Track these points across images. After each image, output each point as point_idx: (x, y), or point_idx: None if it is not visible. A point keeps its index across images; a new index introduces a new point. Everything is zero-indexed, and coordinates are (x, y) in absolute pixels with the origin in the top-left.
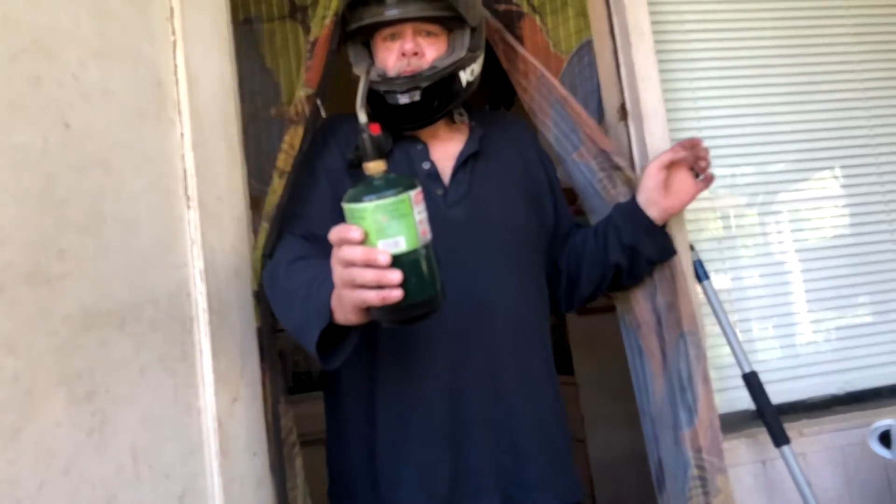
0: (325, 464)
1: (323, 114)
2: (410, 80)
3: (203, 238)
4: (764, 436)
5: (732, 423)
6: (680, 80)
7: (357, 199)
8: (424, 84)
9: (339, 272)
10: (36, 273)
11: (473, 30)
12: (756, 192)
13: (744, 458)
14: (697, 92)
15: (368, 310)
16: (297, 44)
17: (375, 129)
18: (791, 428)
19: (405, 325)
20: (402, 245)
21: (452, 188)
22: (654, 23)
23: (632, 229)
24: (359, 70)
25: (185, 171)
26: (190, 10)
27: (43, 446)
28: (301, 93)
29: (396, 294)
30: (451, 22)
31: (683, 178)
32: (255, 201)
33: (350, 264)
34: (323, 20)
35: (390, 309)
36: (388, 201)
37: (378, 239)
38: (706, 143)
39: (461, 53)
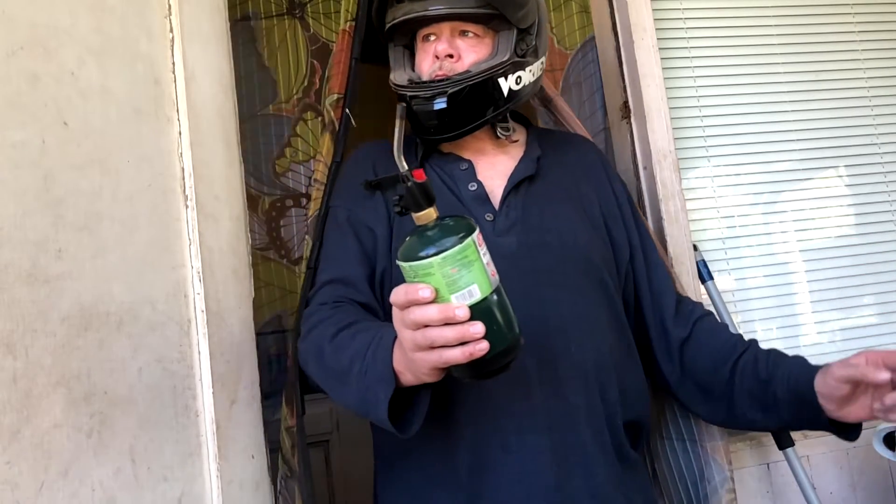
0: (321, 465)
1: (353, 123)
2: (438, 85)
3: (201, 238)
4: (768, 438)
5: None
6: (683, 78)
7: (416, 256)
8: (452, 90)
9: (409, 336)
10: (34, 273)
11: (524, 31)
12: (760, 191)
13: (748, 461)
14: (700, 90)
15: (447, 368)
16: (296, 41)
17: (420, 176)
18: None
19: (490, 377)
20: (476, 294)
21: (503, 213)
22: (656, 20)
23: (798, 402)
24: (393, 74)
25: (182, 169)
26: (188, 8)
27: (42, 448)
28: (326, 101)
29: (483, 347)
30: (496, 22)
31: (867, 398)
32: (254, 201)
33: (424, 326)
34: (343, 22)
35: (476, 364)
36: (454, 251)
37: (450, 293)
38: (709, 142)
39: (503, 57)
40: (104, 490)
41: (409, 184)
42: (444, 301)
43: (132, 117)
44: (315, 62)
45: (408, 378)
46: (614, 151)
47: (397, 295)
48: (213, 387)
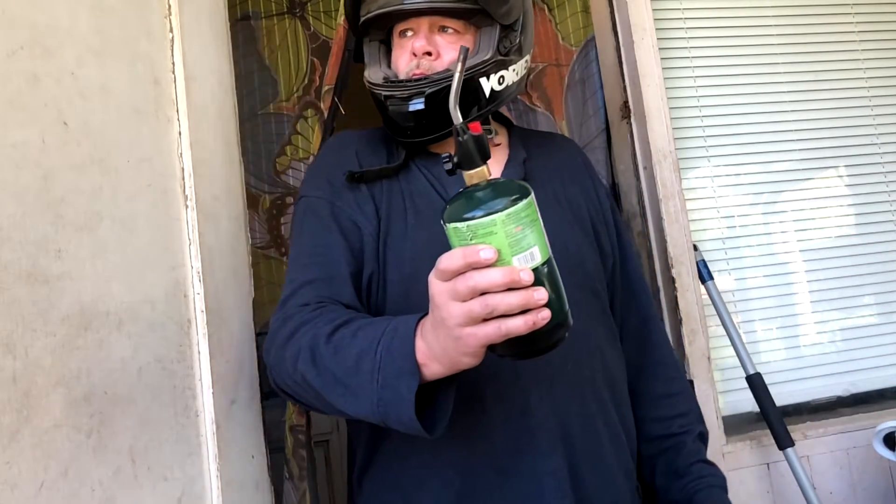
0: (321, 465)
1: (342, 110)
2: (414, 85)
3: (201, 238)
4: (768, 438)
5: (736, 425)
6: (683, 78)
7: (476, 214)
8: (430, 90)
9: (461, 309)
10: (34, 273)
11: (508, 28)
12: (760, 191)
13: (747, 461)
14: (700, 90)
15: (492, 346)
16: (297, 40)
17: (476, 129)
18: (795, 430)
19: (537, 355)
20: (537, 257)
21: None
22: (656, 20)
23: None
24: (368, 71)
25: (182, 169)
26: (188, 7)
27: (41, 448)
28: (323, 92)
29: (545, 315)
30: (478, 17)
31: None
32: (254, 200)
33: (483, 292)
34: (340, 17)
35: (531, 337)
36: (520, 206)
37: (512, 255)
38: (709, 142)
39: (485, 55)
40: (104, 490)
41: (466, 137)
42: (505, 264)
43: (132, 117)
44: (315, 60)
45: (434, 369)
46: (614, 151)
47: (452, 260)
48: (212, 387)
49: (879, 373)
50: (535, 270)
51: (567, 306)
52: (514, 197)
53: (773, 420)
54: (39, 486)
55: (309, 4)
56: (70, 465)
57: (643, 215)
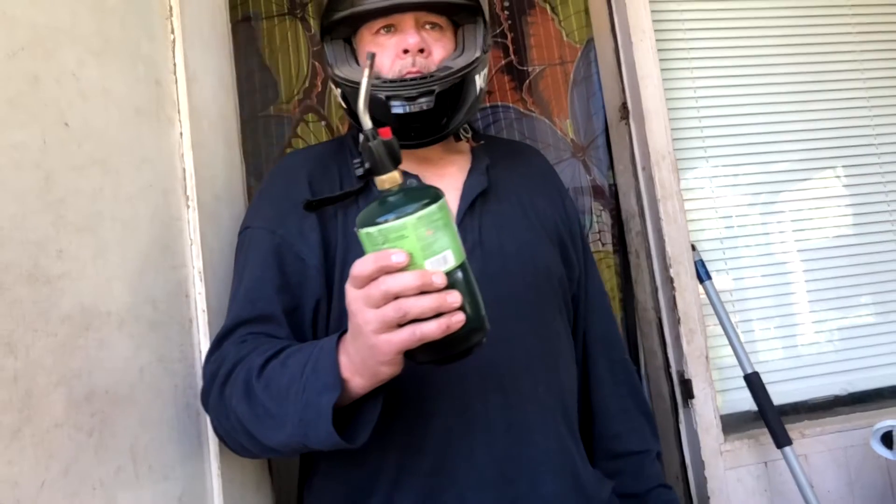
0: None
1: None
2: (422, 83)
3: (202, 238)
4: (766, 437)
5: (734, 423)
6: (681, 79)
7: (387, 218)
8: (440, 88)
9: (376, 315)
10: (35, 273)
11: (486, 25)
12: (758, 191)
13: (745, 460)
14: (699, 91)
15: (410, 353)
16: (297, 41)
17: (386, 134)
18: (793, 429)
19: (454, 360)
20: (450, 261)
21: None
22: (655, 21)
23: None
24: (341, 70)
25: (184, 170)
26: (189, 9)
27: (42, 447)
28: (336, 113)
29: (459, 318)
30: (460, 14)
31: None
32: None
33: (395, 296)
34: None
35: (448, 341)
36: (432, 209)
37: (424, 258)
38: (707, 143)
39: (475, 53)
40: (105, 489)
41: (375, 142)
42: (417, 268)
43: (133, 118)
44: (317, 63)
45: (357, 384)
46: (613, 152)
47: (364, 265)
48: None
49: (877, 372)
50: (448, 274)
51: (483, 311)
52: (425, 201)
53: (771, 419)
54: (40, 485)
55: (310, 5)
56: (71, 464)
57: (642, 215)
